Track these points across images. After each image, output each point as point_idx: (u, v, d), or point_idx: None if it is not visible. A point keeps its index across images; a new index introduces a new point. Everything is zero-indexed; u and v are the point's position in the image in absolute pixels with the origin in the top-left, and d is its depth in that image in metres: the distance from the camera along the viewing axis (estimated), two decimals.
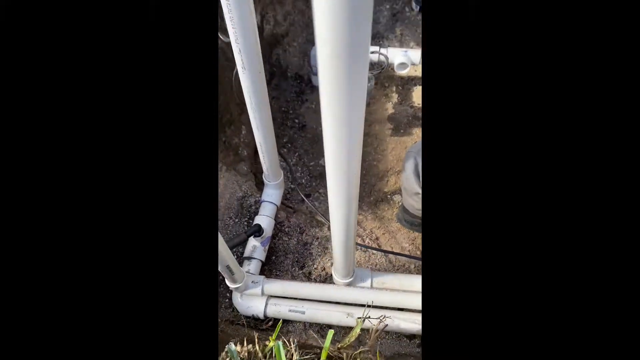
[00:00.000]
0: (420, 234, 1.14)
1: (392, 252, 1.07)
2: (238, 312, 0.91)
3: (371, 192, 1.30)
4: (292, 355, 0.56)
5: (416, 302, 0.83)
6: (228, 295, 0.94)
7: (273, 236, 1.08)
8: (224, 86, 1.08)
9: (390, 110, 1.50)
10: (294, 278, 1.02)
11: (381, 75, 1.50)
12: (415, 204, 1.00)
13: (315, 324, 0.89)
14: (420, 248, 1.12)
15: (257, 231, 0.97)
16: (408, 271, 1.05)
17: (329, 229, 1.11)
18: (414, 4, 1.58)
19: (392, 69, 1.42)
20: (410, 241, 1.14)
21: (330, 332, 0.56)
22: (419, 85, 1.54)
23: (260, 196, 1.11)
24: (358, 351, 0.61)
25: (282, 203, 1.15)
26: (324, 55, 0.31)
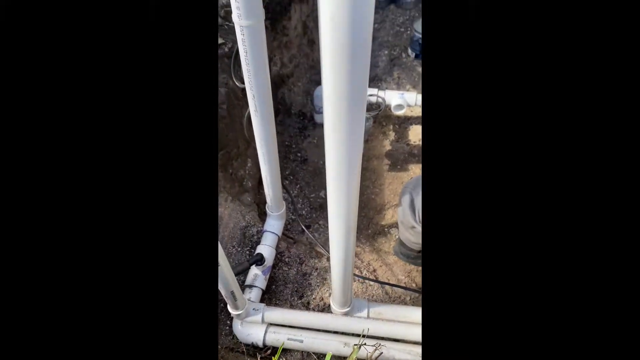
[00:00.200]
0: (416, 267, 1.18)
1: (389, 284, 1.10)
2: (238, 339, 0.93)
3: (369, 225, 1.35)
4: None
5: (411, 333, 0.85)
6: (228, 322, 0.96)
7: (273, 266, 1.11)
8: (234, 123, 1.17)
9: (388, 147, 1.58)
10: (292, 307, 1.05)
11: (379, 115, 1.60)
12: (411, 237, 1.05)
13: (313, 353, 0.91)
14: (416, 280, 1.16)
15: (259, 260, 1.01)
16: (404, 303, 1.08)
17: (328, 260, 1.15)
18: (410, 51, 1.72)
19: (390, 109, 1.53)
20: (406, 273, 1.17)
21: (329, 354, 0.59)
22: (415, 124, 1.64)
23: (263, 226, 1.16)
24: None
25: (283, 233, 1.20)
26: (328, 96, 0.37)
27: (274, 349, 0.90)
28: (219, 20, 1.11)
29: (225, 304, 0.88)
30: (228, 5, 1.14)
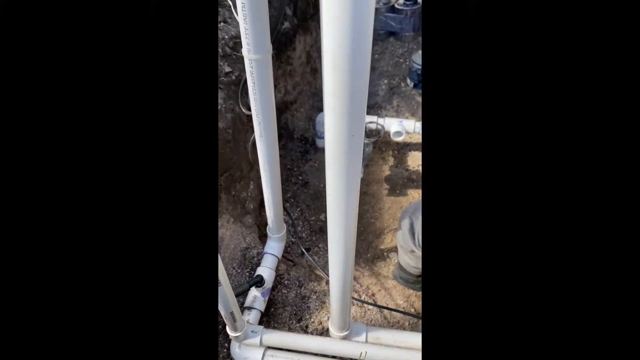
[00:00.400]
0: (415, 292, 1.18)
1: (387, 308, 1.10)
2: None
3: (368, 249, 1.36)
4: None
5: (410, 358, 0.85)
6: (226, 345, 0.96)
7: (273, 288, 1.12)
8: (238, 147, 1.21)
9: (387, 172, 1.62)
10: (291, 330, 1.04)
11: (379, 141, 1.65)
12: (410, 261, 1.06)
13: None
14: (415, 306, 1.15)
15: (259, 282, 1.02)
16: (402, 328, 1.07)
17: (327, 283, 1.16)
18: (408, 81, 1.79)
19: (389, 136, 1.58)
20: (405, 298, 1.17)
21: None
22: (414, 150, 1.68)
23: (263, 248, 1.18)
24: None
25: (282, 256, 1.21)
26: (329, 125, 0.39)
27: None
28: (228, 50, 1.18)
29: (223, 326, 0.89)
30: (237, 36, 1.21)
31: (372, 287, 1.20)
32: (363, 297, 1.15)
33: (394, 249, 1.34)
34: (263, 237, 1.26)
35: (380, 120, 1.57)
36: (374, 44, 0.35)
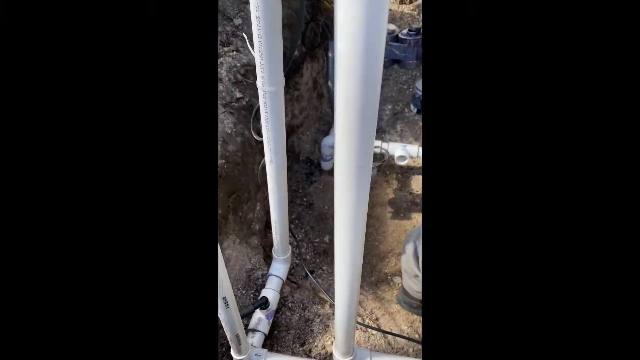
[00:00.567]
0: (419, 317, 1.17)
1: (392, 334, 1.10)
2: None
3: (372, 272, 1.36)
4: None
5: None
6: None
7: (277, 310, 1.12)
8: (247, 169, 1.24)
9: (391, 195, 1.64)
10: (294, 354, 1.04)
11: (383, 165, 1.68)
12: (414, 286, 1.07)
13: None
14: (419, 331, 1.15)
15: (264, 304, 1.02)
16: (406, 354, 1.06)
17: (330, 307, 1.16)
18: (412, 107, 1.84)
19: (393, 159, 1.61)
20: (409, 324, 1.17)
21: None
22: (418, 174, 1.71)
23: (268, 269, 1.19)
24: None
25: (287, 277, 1.22)
26: (339, 152, 0.42)
27: None
28: (239, 77, 1.23)
29: (227, 348, 0.89)
30: (248, 64, 1.26)
31: (376, 311, 1.20)
32: (367, 321, 1.15)
33: (398, 273, 1.34)
34: (268, 258, 1.27)
35: (385, 145, 1.61)
36: None
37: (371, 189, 1.67)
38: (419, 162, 1.71)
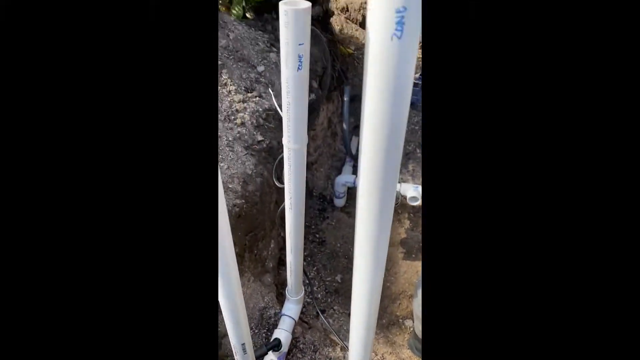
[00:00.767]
0: None
1: None
2: None
3: (384, 315, 1.36)
4: None
5: None
6: None
7: (288, 351, 1.12)
8: (264, 208, 1.29)
9: (403, 235, 1.66)
10: None
11: (397, 205, 1.71)
12: None
13: None
14: None
15: (277, 345, 1.03)
16: None
17: (341, 350, 1.16)
18: None
19: (405, 199, 1.64)
20: None
21: None
22: None
23: (280, 308, 1.20)
24: None
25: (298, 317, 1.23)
26: (363, 189, 0.44)
27: None
28: (261, 121, 1.31)
29: None
30: (269, 109, 1.34)
31: (388, 356, 1.19)
32: None
33: (409, 316, 1.33)
34: (280, 297, 1.29)
35: (397, 186, 1.65)
36: None
37: None
38: None
